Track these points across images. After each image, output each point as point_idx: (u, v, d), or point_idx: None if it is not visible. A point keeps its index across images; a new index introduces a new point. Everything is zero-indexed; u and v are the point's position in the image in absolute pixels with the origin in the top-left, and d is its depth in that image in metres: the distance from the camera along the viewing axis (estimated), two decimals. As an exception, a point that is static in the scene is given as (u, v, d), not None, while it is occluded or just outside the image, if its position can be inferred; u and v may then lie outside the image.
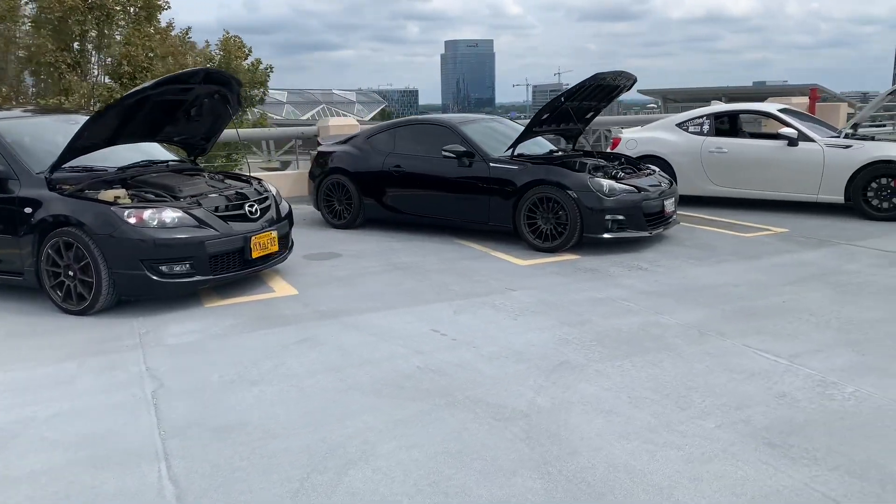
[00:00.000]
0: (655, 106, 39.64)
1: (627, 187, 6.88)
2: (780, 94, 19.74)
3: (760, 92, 28.46)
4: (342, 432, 3.22)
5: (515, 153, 7.40)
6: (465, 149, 7.39)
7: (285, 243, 5.96)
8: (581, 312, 4.99)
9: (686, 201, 9.49)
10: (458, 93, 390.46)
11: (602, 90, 7.72)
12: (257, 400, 3.59)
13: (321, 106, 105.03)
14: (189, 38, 22.67)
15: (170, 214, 5.08)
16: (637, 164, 7.99)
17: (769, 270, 6.12)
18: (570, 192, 6.73)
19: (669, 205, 7.23)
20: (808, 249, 6.90)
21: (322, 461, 2.97)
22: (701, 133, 9.43)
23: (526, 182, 6.98)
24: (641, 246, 7.08)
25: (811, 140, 8.63)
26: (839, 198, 8.49)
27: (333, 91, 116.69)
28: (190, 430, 3.27)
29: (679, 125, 9.64)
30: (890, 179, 8.16)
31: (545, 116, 7.27)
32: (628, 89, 7.93)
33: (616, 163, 7.85)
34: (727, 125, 9.52)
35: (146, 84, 5.13)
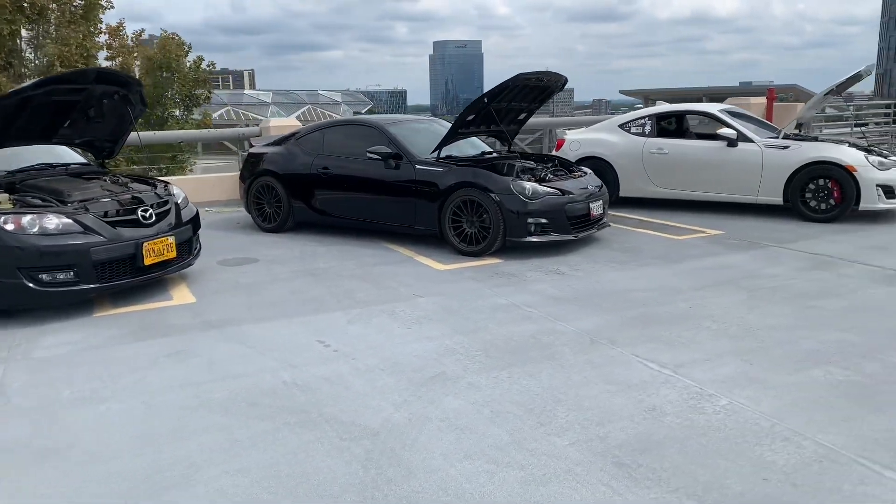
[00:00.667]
0: (642, 107, 39.80)
1: (551, 190, 6.74)
2: (744, 94, 19.71)
3: (743, 92, 28.49)
4: (172, 455, 3.04)
5: (444, 155, 7.25)
6: (390, 150, 7.23)
7: (188, 249, 5.77)
8: (479, 320, 4.83)
9: (629, 203, 9.40)
10: (447, 93, 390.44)
11: (532, 91, 7.57)
12: (98, 419, 3.40)
13: (307, 107, 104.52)
14: (143, 38, 22.32)
15: (52, 220, 4.88)
16: (570, 166, 7.85)
17: (688, 274, 5.99)
18: (492, 194, 6.58)
19: (596, 207, 7.09)
20: (736, 252, 6.78)
21: (137, 487, 2.80)
22: (643, 134, 9.31)
23: (450, 185, 6.82)
24: (568, 249, 6.94)
25: (750, 141, 8.52)
26: (778, 199, 8.39)
27: (319, 92, 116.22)
28: (12, 452, 3.08)
29: (621, 126, 9.51)
30: (827, 180, 8.06)
31: (470, 118, 7.11)
32: (559, 90, 7.79)
33: (550, 165, 7.71)
34: (670, 126, 9.40)
35: (26, 84, 4.93)
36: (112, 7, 20.29)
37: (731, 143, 8.56)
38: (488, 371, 3.93)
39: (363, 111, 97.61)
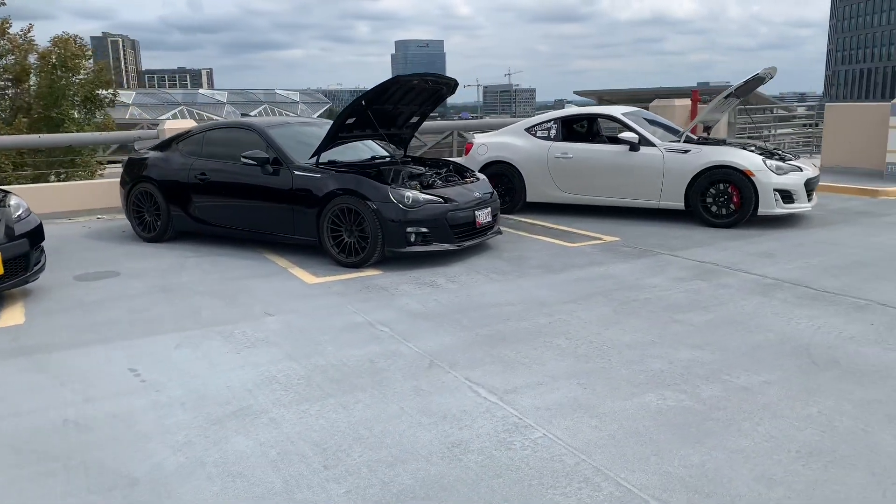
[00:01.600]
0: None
1: (433, 198, 6.44)
2: (674, 95, 19.74)
3: (669, 94, 28.61)
4: None
5: (327, 160, 6.92)
6: (267, 155, 6.86)
7: (23, 265, 5.32)
8: (321, 342, 4.50)
9: (536, 208, 9.18)
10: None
11: (422, 94, 7.27)
12: None
13: (263, 106, 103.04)
14: (30, 35, 21.36)
15: None
16: (464, 172, 7.57)
17: (564, 286, 5.76)
18: (370, 202, 6.27)
19: (484, 215, 6.82)
20: (624, 261, 6.58)
21: None
22: (548, 138, 9.10)
23: (328, 192, 6.48)
24: (453, 259, 6.66)
25: (652, 145, 8.36)
26: (679, 204, 8.25)
27: (276, 91, 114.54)
28: None
29: (528, 130, 9.29)
30: (727, 185, 7.93)
31: (351, 121, 6.77)
32: (451, 92, 7.50)
33: (443, 171, 7.43)
34: (576, 130, 9.19)
35: None
36: (3, 4, 19.45)
37: (633, 147, 8.39)
38: (300, 403, 3.61)
39: (322, 110, 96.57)
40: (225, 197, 7.19)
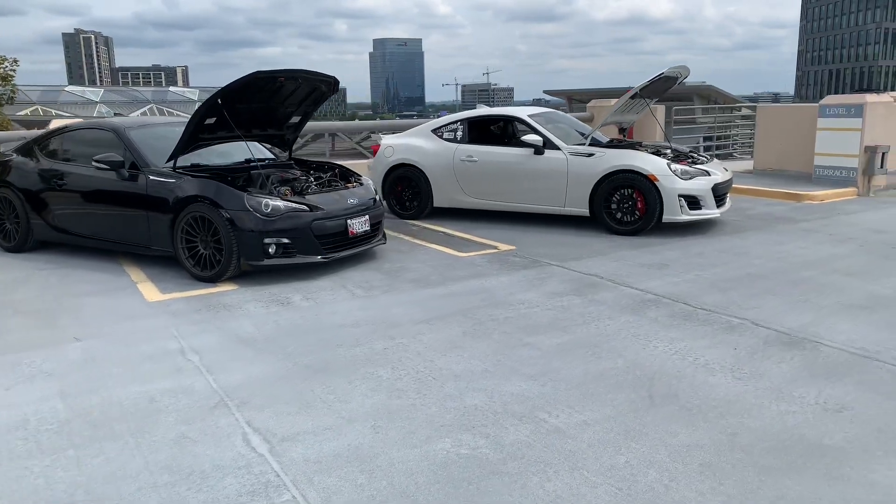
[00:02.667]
0: (565, 107, 39.44)
1: (296, 206, 5.93)
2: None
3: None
4: None
5: (189, 163, 6.39)
6: (121, 158, 6.31)
7: None
8: (111, 375, 3.98)
9: (445, 214, 8.72)
10: (388, 91, 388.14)
11: (298, 93, 6.75)
12: None
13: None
14: None
15: None
16: (350, 176, 7.07)
17: (428, 302, 5.28)
18: (223, 211, 5.75)
19: (359, 224, 6.32)
20: (507, 272, 6.12)
21: None
22: (454, 140, 8.63)
23: (181, 199, 5.95)
24: (323, 272, 6.16)
25: (556, 148, 7.92)
26: (584, 210, 7.81)
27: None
28: None
29: (434, 131, 8.82)
30: (631, 191, 7.51)
31: (211, 121, 6.23)
32: (332, 91, 6.98)
33: (327, 175, 6.93)
34: (489, 131, 8.72)
35: None
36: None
37: (537, 150, 7.95)
38: (31, 457, 3.09)
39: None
40: (83, 204, 6.63)
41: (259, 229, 5.74)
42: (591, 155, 7.73)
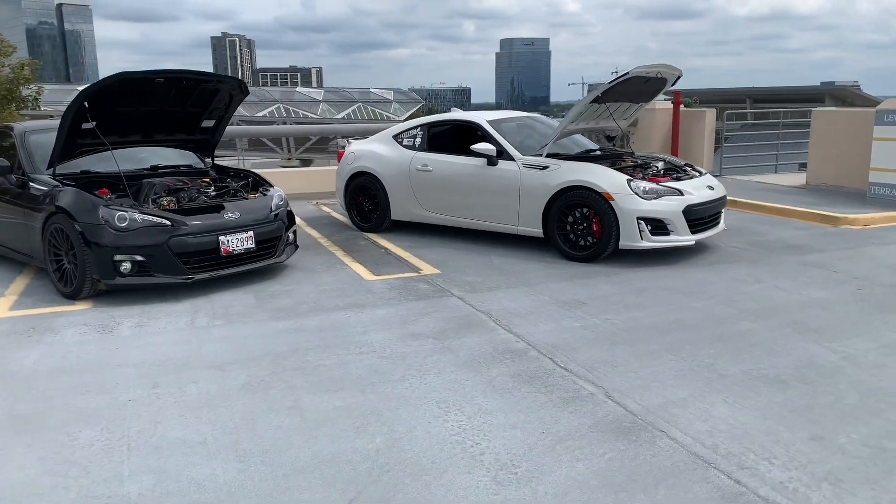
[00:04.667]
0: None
1: (155, 220, 5.40)
2: (793, 96, 17.66)
3: (801, 93, 26.36)
4: None
5: (95, 169, 6.08)
6: (8, 163, 6.06)
7: None
8: None
9: (404, 228, 7.99)
10: (513, 91, 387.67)
11: (202, 97, 6.25)
12: None
13: (357, 104, 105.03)
14: None
15: None
16: (260, 186, 6.49)
17: (257, 340, 4.59)
18: (76, 223, 5.31)
19: (237, 242, 5.70)
20: (396, 303, 5.32)
21: None
22: (413, 147, 7.83)
23: (47, 208, 5.58)
24: (190, 293, 5.61)
25: (511, 158, 6.95)
26: (538, 230, 6.80)
27: (371, 90, 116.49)
28: None
29: (395, 137, 8.06)
30: (588, 210, 6.42)
31: (90, 125, 5.80)
32: (241, 93, 6.41)
33: (239, 183, 6.41)
34: (445, 139, 7.84)
35: None
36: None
37: (490, 160, 7.02)
38: None
39: (414, 109, 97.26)
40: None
41: (110, 244, 5.25)
42: (545, 168, 6.70)
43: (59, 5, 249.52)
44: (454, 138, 7.61)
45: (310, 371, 4.05)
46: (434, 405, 3.58)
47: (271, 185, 6.51)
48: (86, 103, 5.52)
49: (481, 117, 7.51)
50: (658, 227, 6.29)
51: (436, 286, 5.80)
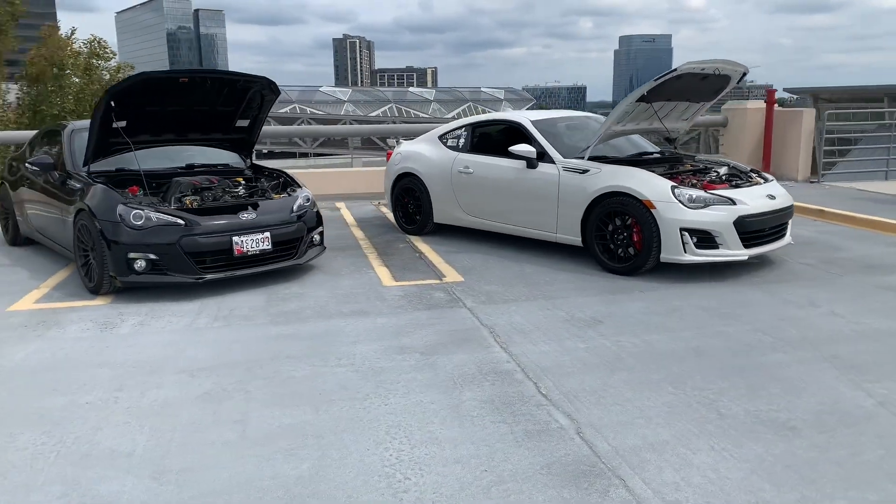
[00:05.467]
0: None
1: (169, 219, 5.42)
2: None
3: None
4: None
5: (108, 167, 6.22)
6: (51, 160, 6.33)
7: None
8: None
9: (448, 232, 7.74)
10: (631, 89, 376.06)
11: (232, 97, 6.27)
12: None
13: (467, 104, 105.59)
14: (73, 38, 22.63)
15: None
16: (289, 186, 6.45)
17: (244, 344, 4.49)
18: (97, 221, 5.42)
19: (250, 243, 5.64)
20: (401, 312, 5.10)
21: None
22: (456, 148, 7.56)
23: (77, 204, 5.73)
24: (203, 293, 5.60)
25: (552, 161, 6.53)
26: (577, 239, 6.35)
27: (482, 89, 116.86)
28: None
29: (440, 137, 7.81)
30: (629, 219, 5.92)
31: (121, 124, 5.91)
32: (272, 93, 6.37)
33: (269, 183, 6.40)
34: (489, 139, 7.50)
35: None
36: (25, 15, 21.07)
37: (530, 163, 6.62)
38: None
39: (524, 108, 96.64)
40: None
41: (125, 242, 5.31)
42: (584, 172, 6.24)
43: (197, 10, 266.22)
44: (497, 139, 7.25)
45: (277, 383, 3.88)
46: (383, 430, 3.31)
47: (299, 186, 6.43)
48: (112, 103, 5.61)
49: (525, 117, 7.12)
50: (705, 239, 5.70)
51: (451, 295, 5.50)
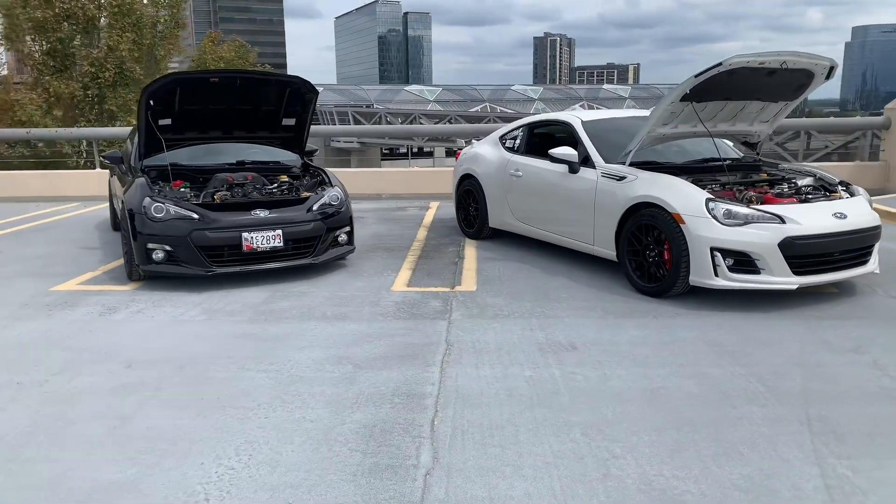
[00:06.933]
0: None
1: (183, 213, 5.66)
2: None
3: None
4: None
5: (159, 162, 6.65)
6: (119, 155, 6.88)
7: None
8: None
9: (506, 238, 7.40)
10: (864, 85, 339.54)
11: (272, 96, 6.44)
12: None
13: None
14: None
15: None
16: (322, 184, 6.50)
17: (224, 341, 4.56)
18: (127, 210, 5.83)
19: (261, 240, 5.72)
20: (380, 320, 4.93)
21: None
22: (512, 149, 7.18)
23: (130, 195, 6.19)
24: (216, 285, 5.79)
25: (592, 166, 5.98)
26: (611, 252, 5.76)
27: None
28: None
29: (500, 138, 7.47)
30: (659, 233, 5.25)
31: (166, 122, 6.28)
32: (311, 93, 6.43)
33: (311, 181, 6.55)
34: (543, 140, 7.01)
35: None
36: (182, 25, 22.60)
37: (572, 167, 6.11)
38: None
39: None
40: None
41: (145, 233, 5.64)
42: (621, 179, 5.61)
43: (406, 13, 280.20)
44: (549, 141, 6.74)
45: (194, 382, 3.88)
46: (234, 445, 3.17)
47: (332, 186, 6.42)
48: (151, 102, 5.98)
49: (577, 117, 6.56)
50: (742, 262, 4.86)
51: (446, 306, 5.20)
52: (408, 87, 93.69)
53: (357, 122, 56.18)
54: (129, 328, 4.81)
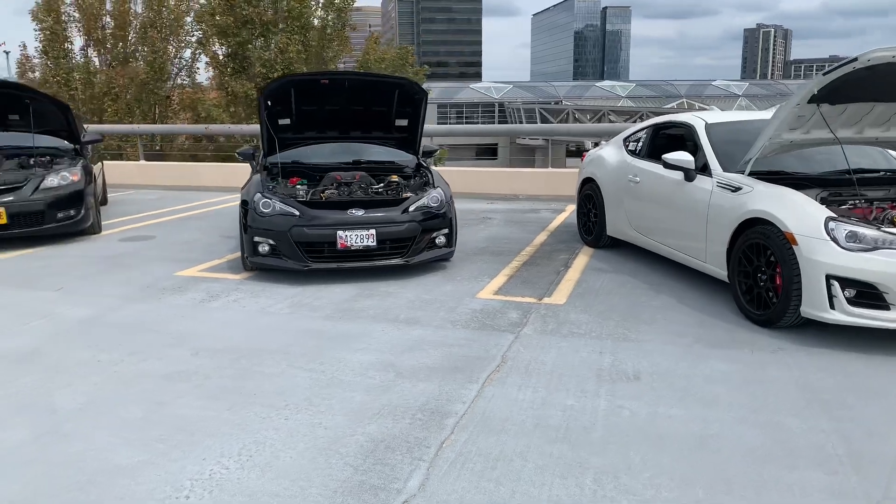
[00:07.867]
0: None
1: (286, 208, 5.89)
2: None
3: None
4: None
5: (284, 160, 7.01)
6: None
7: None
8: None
9: (628, 249, 6.97)
10: None
11: (383, 97, 6.55)
12: None
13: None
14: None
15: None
16: (425, 186, 6.50)
17: (262, 335, 4.72)
18: (246, 205, 6.19)
19: (355, 238, 5.78)
20: (458, 329, 4.80)
21: None
22: (634, 153, 6.70)
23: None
24: (312, 280, 5.97)
25: (709, 174, 5.41)
26: (723, 272, 5.17)
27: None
28: None
29: (625, 140, 6.98)
30: (771, 253, 4.62)
31: (285, 122, 6.58)
32: (420, 94, 6.40)
33: (417, 181, 6.63)
34: (666, 143, 6.40)
35: None
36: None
37: (688, 174, 5.57)
38: None
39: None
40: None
41: (253, 226, 5.95)
42: (737, 189, 5.00)
43: (605, 8, 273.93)
44: (672, 144, 6.16)
45: (241, 376, 4.00)
46: (238, 445, 3.20)
47: (434, 188, 6.35)
48: (269, 102, 6.29)
49: (701, 118, 5.92)
50: (868, 294, 4.11)
51: (523, 319, 4.94)
52: (599, 83, 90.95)
53: (544, 119, 55.95)
54: (216, 316, 5.09)
